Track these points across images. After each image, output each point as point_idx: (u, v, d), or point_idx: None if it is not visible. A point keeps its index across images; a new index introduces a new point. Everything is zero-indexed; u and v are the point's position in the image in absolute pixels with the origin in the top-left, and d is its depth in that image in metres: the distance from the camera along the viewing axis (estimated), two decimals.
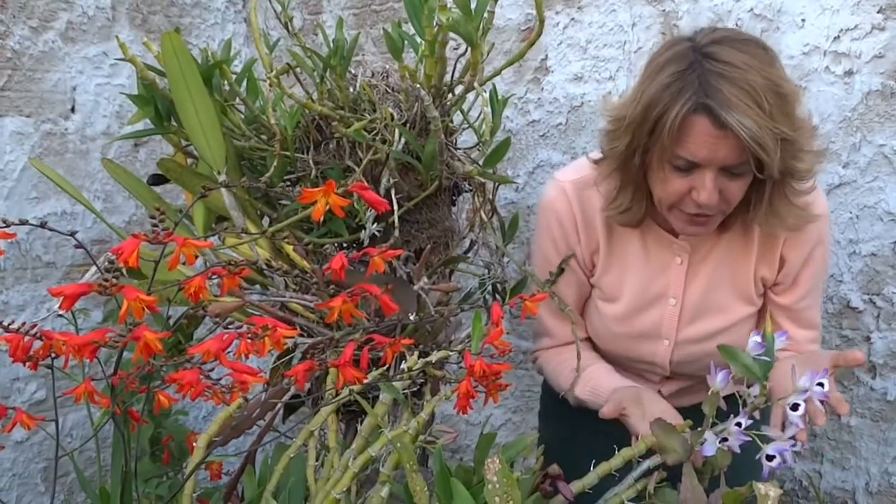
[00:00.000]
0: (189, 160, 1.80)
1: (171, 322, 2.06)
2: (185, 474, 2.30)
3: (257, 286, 1.79)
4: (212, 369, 0.99)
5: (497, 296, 1.89)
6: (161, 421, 2.33)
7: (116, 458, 1.32)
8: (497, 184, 1.87)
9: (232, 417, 1.44)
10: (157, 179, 1.84)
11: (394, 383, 1.31)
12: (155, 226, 0.99)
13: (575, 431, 1.88)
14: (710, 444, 1.41)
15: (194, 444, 1.40)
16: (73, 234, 1.03)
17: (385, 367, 1.40)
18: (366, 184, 1.08)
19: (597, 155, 1.76)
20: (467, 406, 1.20)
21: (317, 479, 1.34)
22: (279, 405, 1.58)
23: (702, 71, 1.51)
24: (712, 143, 1.51)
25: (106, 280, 0.96)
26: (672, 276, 1.80)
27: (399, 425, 1.37)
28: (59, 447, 1.25)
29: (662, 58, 1.58)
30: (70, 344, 0.97)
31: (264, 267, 1.71)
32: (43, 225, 1.05)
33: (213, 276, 1.07)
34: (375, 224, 1.64)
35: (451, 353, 1.33)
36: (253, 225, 1.73)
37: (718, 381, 1.44)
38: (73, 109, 2.44)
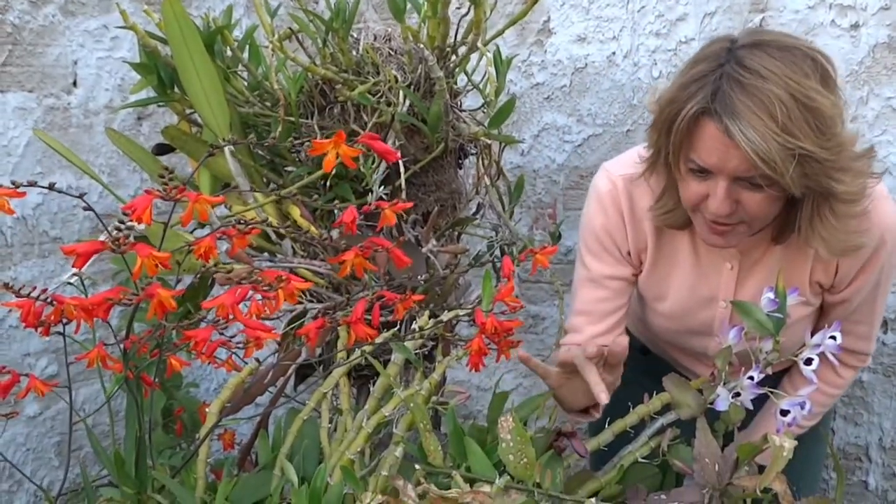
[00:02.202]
0: (194, 128, 1.79)
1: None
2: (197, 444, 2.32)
3: (265, 254, 1.79)
4: (225, 327, 0.98)
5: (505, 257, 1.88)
6: (173, 392, 2.34)
7: (130, 425, 1.31)
8: (503, 146, 1.86)
9: (244, 383, 1.44)
10: (163, 149, 1.84)
11: (405, 343, 1.30)
12: (165, 184, 0.98)
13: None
14: (722, 399, 1.40)
15: (207, 411, 1.40)
16: (81, 195, 1.02)
17: (396, 328, 1.39)
18: (377, 136, 1.07)
19: (645, 150, 1.71)
20: (480, 363, 1.19)
21: (330, 441, 1.34)
22: (291, 369, 1.58)
23: (722, 74, 1.44)
24: (722, 150, 1.44)
25: (118, 238, 0.95)
26: (722, 281, 1.73)
27: (412, 386, 1.37)
28: (72, 415, 1.25)
29: (699, 55, 1.51)
30: (82, 306, 0.96)
31: (271, 231, 1.72)
32: (51, 186, 1.04)
33: (223, 237, 1.06)
34: (382, 187, 1.63)
35: (462, 312, 1.32)
36: (259, 191, 1.72)
37: (731, 337, 1.44)
38: (75, 83, 2.42)
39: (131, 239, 0.96)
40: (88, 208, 1.00)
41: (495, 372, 2.55)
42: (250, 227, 1.07)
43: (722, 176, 1.47)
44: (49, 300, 1.04)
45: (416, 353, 1.38)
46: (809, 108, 1.40)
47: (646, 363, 1.95)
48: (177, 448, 2.25)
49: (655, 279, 1.78)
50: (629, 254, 1.75)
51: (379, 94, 1.64)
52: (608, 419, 1.61)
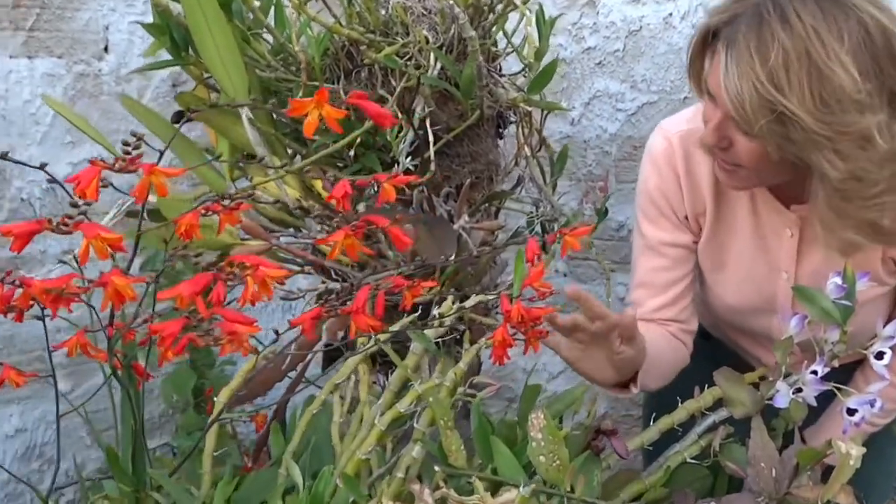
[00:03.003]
0: (214, 95, 1.67)
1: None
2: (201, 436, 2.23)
3: (291, 229, 1.67)
4: (201, 319, 0.86)
5: (547, 235, 1.74)
6: (205, 371, 2.25)
7: (125, 418, 1.21)
8: (546, 114, 1.72)
9: (256, 370, 1.32)
10: (182, 117, 1.72)
11: (427, 331, 1.18)
12: (127, 152, 0.86)
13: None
14: (782, 395, 1.26)
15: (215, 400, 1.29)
16: (42, 166, 0.90)
17: (417, 314, 1.27)
18: (366, 95, 0.94)
19: None
20: (504, 356, 1.06)
21: (344, 437, 1.22)
22: (310, 355, 1.47)
23: (756, 3, 1.32)
24: (718, 77, 1.33)
25: (68, 217, 0.83)
26: (783, 249, 1.59)
27: (430, 379, 1.24)
28: (59, 406, 1.15)
29: None
30: (35, 290, 0.85)
31: (292, 206, 1.60)
32: (43, 166, 0.92)
33: (207, 213, 0.94)
34: (410, 158, 1.50)
35: (487, 298, 1.19)
36: (280, 161, 1.60)
37: (793, 326, 1.30)
38: (106, 49, 2.33)
39: (82, 218, 0.84)
40: (52, 180, 0.88)
41: (541, 355, 2.41)
42: (236, 201, 0.94)
43: (721, 106, 1.36)
44: (18, 283, 0.92)
45: (442, 340, 1.25)
46: (821, 73, 1.26)
47: (707, 349, 1.81)
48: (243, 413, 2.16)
49: (714, 247, 1.65)
50: (686, 218, 1.62)
51: (408, 57, 1.51)
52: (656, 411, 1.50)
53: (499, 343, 1.03)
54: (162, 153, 0.92)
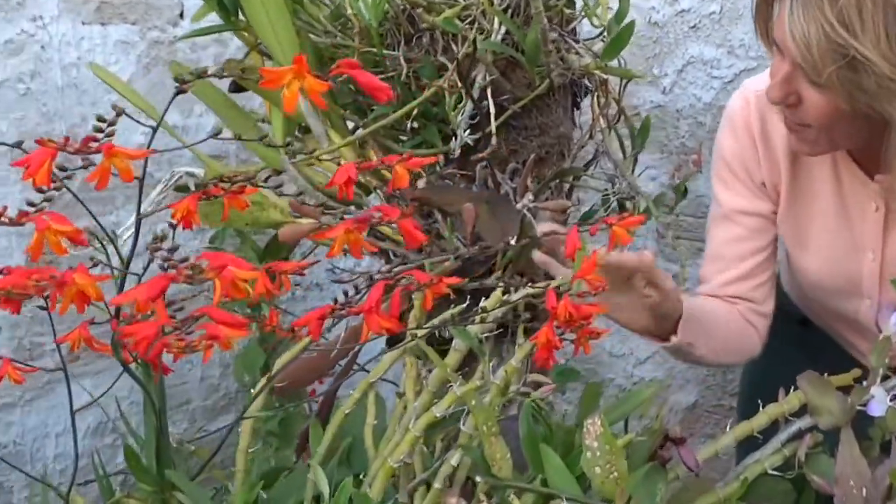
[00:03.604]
0: (268, 63, 1.58)
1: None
2: (303, 408, 2.15)
3: (352, 207, 1.57)
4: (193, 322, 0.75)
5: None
6: (276, 348, 2.17)
7: (147, 414, 1.12)
8: (626, 82, 1.58)
9: (298, 358, 1.23)
10: (238, 86, 1.63)
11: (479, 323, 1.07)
12: (99, 130, 0.76)
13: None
14: (878, 402, 1.11)
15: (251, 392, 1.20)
16: (18, 144, 0.81)
17: (466, 302, 1.16)
18: (357, 64, 0.82)
19: None
20: (549, 359, 0.94)
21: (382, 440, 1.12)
22: (362, 342, 1.37)
23: None
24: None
25: (30, 203, 0.74)
26: (868, 226, 1.44)
27: (473, 380, 1.12)
28: (72, 401, 1.07)
29: None
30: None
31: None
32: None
33: (205, 198, 0.84)
34: (468, 132, 1.38)
35: (536, 291, 1.07)
36: (336, 134, 1.50)
37: (892, 324, 1.14)
38: (181, 15, 2.27)
39: (45, 206, 0.75)
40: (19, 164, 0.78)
41: (629, 338, 2.28)
42: (238, 184, 0.84)
43: (787, 57, 1.23)
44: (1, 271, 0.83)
45: (496, 333, 1.14)
46: None
47: (804, 335, 1.66)
48: (280, 408, 2.09)
49: (793, 220, 1.51)
50: (764, 185, 1.49)
51: (470, 20, 1.39)
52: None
53: (543, 345, 0.91)
54: (155, 129, 0.82)
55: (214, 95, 1.61)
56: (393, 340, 1.61)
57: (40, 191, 0.76)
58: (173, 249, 0.73)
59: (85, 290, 0.71)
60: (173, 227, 1.11)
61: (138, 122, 0.92)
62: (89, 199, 2.15)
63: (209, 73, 0.78)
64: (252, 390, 2.19)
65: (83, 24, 2.14)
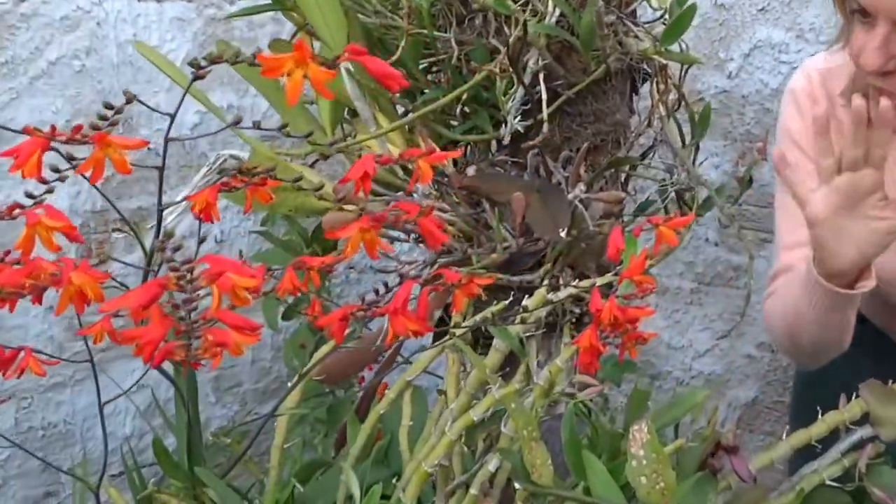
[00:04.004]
0: (317, 44, 1.53)
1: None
2: (352, 395, 2.12)
3: (400, 193, 1.53)
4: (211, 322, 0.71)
5: (683, 206, 1.53)
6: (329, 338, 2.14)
7: (178, 408, 1.09)
8: (687, 68, 1.51)
9: (342, 355, 1.19)
10: None
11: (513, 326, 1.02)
12: (104, 118, 0.72)
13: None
14: None
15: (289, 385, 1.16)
16: (28, 132, 0.77)
17: (511, 297, 1.11)
18: (364, 50, 0.77)
19: None
20: (593, 364, 0.89)
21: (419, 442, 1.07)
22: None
23: None
24: None
25: (29, 195, 0.70)
26: None
27: (538, 373, 1.08)
28: (100, 395, 1.04)
29: None
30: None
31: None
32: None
33: (226, 190, 0.80)
34: (519, 118, 1.33)
35: (582, 289, 1.02)
36: (385, 118, 1.46)
37: None
38: None
39: (45, 198, 0.71)
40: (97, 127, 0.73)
41: (688, 329, 2.21)
42: (259, 175, 0.80)
43: (881, 17, 1.16)
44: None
45: (538, 333, 1.09)
46: None
47: (862, 334, 1.58)
48: (328, 395, 2.06)
49: None
50: None
51: (523, 2, 1.33)
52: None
53: (586, 349, 0.86)
54: (173, 116, 0.78)
55: (262, 77, 1.56)
56: (439, 334, 1.57)
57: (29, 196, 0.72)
58: (176, 249, 0.68)
59: (85, 288, 0.68)
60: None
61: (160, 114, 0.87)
62: (143, 178, 2.16)
63: (223, 59, 0.74)
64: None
65: (139, 0, 2.12)
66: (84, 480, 1.20)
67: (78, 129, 0.69)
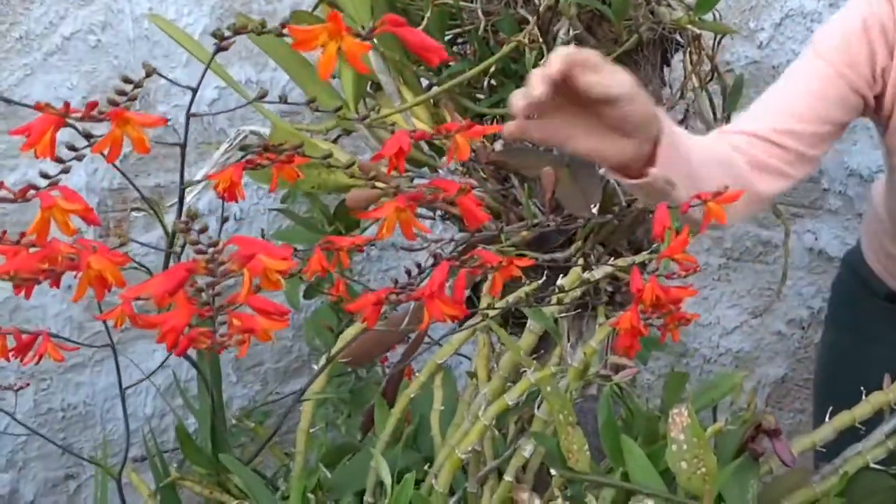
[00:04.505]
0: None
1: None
2: (375, 376, 2.08)
3: (424, 168, 1.49)
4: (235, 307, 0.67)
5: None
6: (351, 317, 2.10)
7: (201, 393, 1.06)
8: (720, 38, 1.47)
9: (368, 336, 1.15)
10: None
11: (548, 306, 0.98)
12: (122, 93, 0.68)
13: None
14: None
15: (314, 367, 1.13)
16: (40, 108, 0.73)
17: (541, 282, 1.07)
18: (404, 21, 0.73)
19: None
20: (633, 346, 0.85)
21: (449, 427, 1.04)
22: None
23: None
24: None
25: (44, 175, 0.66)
26: None
27: (571, 354, 1.04)
28: (121, 380, 1.01)
29: None
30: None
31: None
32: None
33: (250, 167, 0.76)
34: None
35: (621, 266, 0.98)
36: (409, 91, 1.42)
37: None
38: None
39: (59, 178, 0.67)
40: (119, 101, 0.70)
41: (716, 306, 2.17)
42: (286, 152, 0.76)
43: None
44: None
45: (571, 313, 1.05)
46: None
47: (891, 313, 1.54)
48: (351, 375, 2.03)
49: None
50: (882, 76, 1.24)
51: None
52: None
53: (626, 331, 0.82)
54: (195, 91, 0.74)
55: (283, 50, 1.53)
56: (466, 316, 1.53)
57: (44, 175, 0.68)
58: (202, 231, 0.65)
59: (105, 273, 0.64)
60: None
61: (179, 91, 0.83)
62: (161, 154, 2.12)
63: (248, 29, 0.70)
64: (324, 355, 2.15)
65: None
66: (105, 468, 1.17)
67: (93, 105, 0.65)
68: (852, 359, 1.57)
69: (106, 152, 0.67)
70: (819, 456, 1.12)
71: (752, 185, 1.18)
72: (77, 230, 0.65)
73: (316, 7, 1.49)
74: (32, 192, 0.65)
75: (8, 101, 0.73)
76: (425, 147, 1.44)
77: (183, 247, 0.80)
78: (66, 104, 0.65)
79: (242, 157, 0.82)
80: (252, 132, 1.46)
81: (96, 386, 2.11)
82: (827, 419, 1.07)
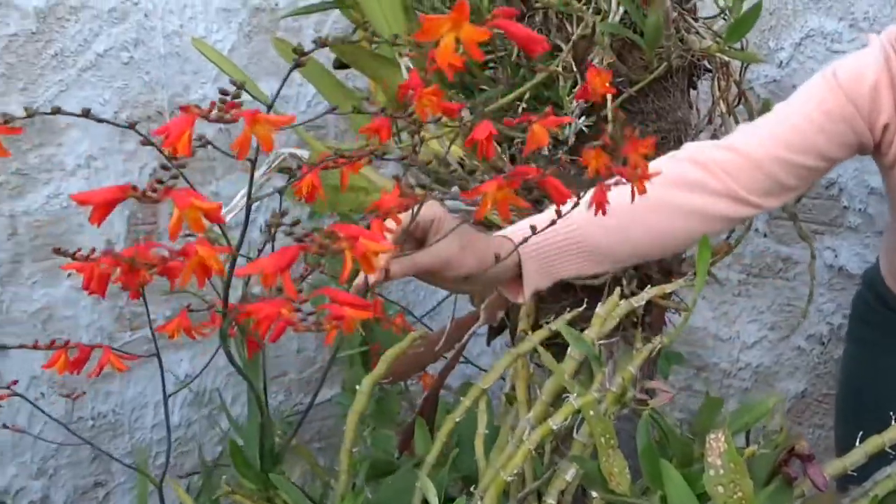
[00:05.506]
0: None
1: None
2: (398, 388, 2.12)
3: (455, 189, 1.52)
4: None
5: None
6: (374, 328, 2.14)
7: (250, 405, 1.10)
8: (745, 65, 1.50)
9: (405, 356, 1.19)
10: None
11: (587, 332, 1.01)
12: (224, 100, 0.72)
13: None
14: None
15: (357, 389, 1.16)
16: (85, 113, 0.76)
17: (583, 307, 1.10)
18: (511, 21, 0.77)
19: None
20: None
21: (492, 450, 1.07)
22: (468, 335, 1.33)
23: None
24: None
25: (158, 180, 0.70)
26: None
27: (591, 390, 1.06)
28: (165, 386, 1.05)
29: None
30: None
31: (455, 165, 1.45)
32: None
33: (331, 168, 0.81)
34: (583, 118, 1.32)
35: (658, 293, 1.01)
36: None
37: None
38: None
39: (175, 182, 0.71)
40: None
41: (735, 320, 2.20)
42: (360, 155, 0.81)
43: None
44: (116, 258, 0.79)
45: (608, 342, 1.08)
46: None
47: None
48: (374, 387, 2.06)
49: None
50: (885, 128, 1.26)
51: (586, 0, 1.32)
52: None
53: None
54: (271, 105, 0.78)
55: (317, 71, 1.56)
56: (495, 333, 1.56)
57: (164, 167, 0.72)
58: (295, 223, 0.70)
59: (208, 261, 0.68)
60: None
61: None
62: (189, 168, 2.16)
63: (326, 43, 0.74)
64: (348, 367, 2.18)
65: None
66: (149, 475, 1.20)
67: (231, 105, 0.70)
68: (873, 373, 1.60)
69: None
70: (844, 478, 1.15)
71: (710, 209, 1.22)
72: (205, 227, 0.69)
73: (354, 32, 1.52)
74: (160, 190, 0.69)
75: (55, 113, 0.77)
76: (451, 164, 1.47)
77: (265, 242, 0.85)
78: (213, 103, 0.70)
79: (289, 180, 0.87)
80: (291, 154, 1.49)
81: (125, 395, 2.15)
82: (857, 443, 1.09)
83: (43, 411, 1.34)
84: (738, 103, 1.50)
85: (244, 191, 1.50)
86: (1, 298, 1.93)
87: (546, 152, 1.43)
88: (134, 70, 2.04)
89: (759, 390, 2.18)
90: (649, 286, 1.26)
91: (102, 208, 0.71)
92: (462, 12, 0.70)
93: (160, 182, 0.73)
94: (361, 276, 1.04)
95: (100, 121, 0.77)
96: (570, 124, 1.31)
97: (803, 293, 2.10)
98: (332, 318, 0.70)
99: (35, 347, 1.08)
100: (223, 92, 0.75)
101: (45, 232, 1.97)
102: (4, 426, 1.27)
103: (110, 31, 1.99)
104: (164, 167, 0.74)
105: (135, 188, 0.71)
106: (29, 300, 1.97)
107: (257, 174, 1.50)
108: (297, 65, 0.79)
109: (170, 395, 1.26)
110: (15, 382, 1.18)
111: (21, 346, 1.11)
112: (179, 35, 2.11)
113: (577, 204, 0.95)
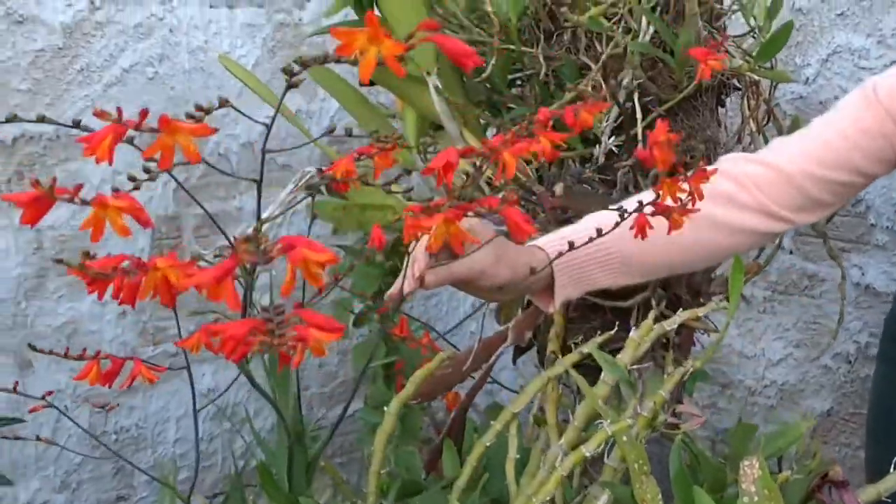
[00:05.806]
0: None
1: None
2: (420, 405, 2.11)
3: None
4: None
5: None
6: (398, 344, 2.13)
7: (279, 425, 1.09)
8: (775, 84, 1.49)
9: (432, 377, 1.18)
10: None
11: (620, 356, 1.00)
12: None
13: None
14: None
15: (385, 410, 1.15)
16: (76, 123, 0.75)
17: (612, 331, 1.09)
18: (436, 24, 0.76)
19: None
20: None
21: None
22: (496, 355, 1.32)
23: None
24: None
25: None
26: None
27: (624, 415, 1.06)
28: (195, 400, 1.04)
29: None
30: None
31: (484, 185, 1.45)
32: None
33: (362, 157, 0.81)
34: (613, 137, 1.31)
35: (691, 315, 1.00)
36: (471, 135, 1.45)
37: None
38: None
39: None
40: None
41: (761, 337, 2.19)
42: (391, 142, 0.81)
43: None
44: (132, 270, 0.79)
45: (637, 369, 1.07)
46: None
47: None
48: None
49: None
50: None
51: (616, 19, 1.32)
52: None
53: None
54: (270, 126, 0.78)
55: (342, 89, 1.56)
56: (521, 352, 1.56)
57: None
58: (248, 239, 0.68)
59: (172, 277, 0.67)
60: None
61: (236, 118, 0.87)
62: (213, 183, 2.16)
63: (319, 62, 0.73)
64: (371, 382, 2.17)
65: (210, 7, 2.13)
66: (176, 491, 1.20)
67: (145, 113, 0.69)
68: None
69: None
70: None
71: (738, 222, 1.21)
72: (129, 231, 0.69)
73: None
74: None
75: (75, 126, 0.77)
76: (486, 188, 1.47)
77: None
78: (119, 109, 0.69)
79: (305, 196, 0.87)
80: (318, 170, 1.48)
81: (148, 410, 2.15)
82: (892, 468, 1.08)
83: (73, 420, 1.35)
84: (768, 122, 1.49)
85: (272, 206, 1.50)
86: (26, 313, 1.94)
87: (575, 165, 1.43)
88: (159, 85, 2.05)
89: (785, 408, 2.16)
90: (679, 307, 1.26)
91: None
92: (375, 25, 0.68)
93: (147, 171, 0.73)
94: (397, 285, 1.05)
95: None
96: (599, 143, 1.30)
97: (829, 311, 2.09)
98: (295, 339, 0.67)
99: (66, 356, 1.08)
100: (198, 108, 0.75)
101: (70, 246, 1.97)
102: (38, 438, 1.27)
103: (136, 47, 2.00)
104: (146, 170, 0.74)
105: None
106: (54, 314, 1.97)
107: (283, 193, 1.50)
108: (290, 86, 0.78)
109: (202, 408, 1.26)
110: (50, 393, 1.18)
111: (52, 353, 1.11)
112: (204, 50, 2.11)
113: (618, 224, 0.95)
